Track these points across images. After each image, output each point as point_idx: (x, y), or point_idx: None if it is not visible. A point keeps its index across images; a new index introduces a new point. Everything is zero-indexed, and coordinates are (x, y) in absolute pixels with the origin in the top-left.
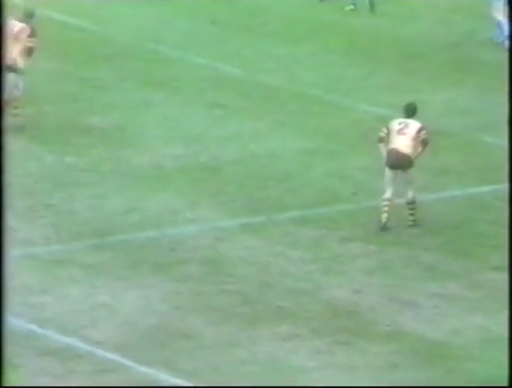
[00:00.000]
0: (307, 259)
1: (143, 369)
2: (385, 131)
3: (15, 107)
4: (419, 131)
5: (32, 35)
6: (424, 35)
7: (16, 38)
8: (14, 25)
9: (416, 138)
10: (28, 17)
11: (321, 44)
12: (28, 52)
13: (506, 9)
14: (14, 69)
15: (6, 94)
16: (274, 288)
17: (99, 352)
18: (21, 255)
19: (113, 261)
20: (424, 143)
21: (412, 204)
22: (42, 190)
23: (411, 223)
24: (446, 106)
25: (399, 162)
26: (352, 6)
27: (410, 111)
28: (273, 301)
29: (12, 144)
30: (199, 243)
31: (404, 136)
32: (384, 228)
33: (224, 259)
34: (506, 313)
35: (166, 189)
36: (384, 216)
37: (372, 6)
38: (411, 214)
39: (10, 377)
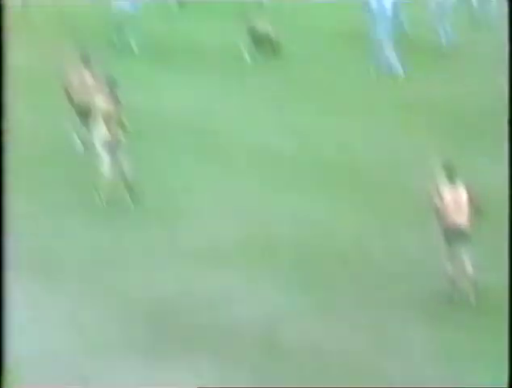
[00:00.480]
0: (366, 343)
1: None
2: (439, 201)
3: (130, 189)
4: (469, 195)
5: (117, 102)
6: (479, 101)
7: (113, 115)
8: (108, 103)
9: (470, 205)
10: (112, 86)
11: (375, 118)
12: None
13: None
14: (117, 146)
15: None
16: (332, 373)
17: None
18: (75, 339)
19: (167, 344)
20: (478, 211)
21: (471, 280)
22: (95, 271)
23: (472, 301)
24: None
25: (458, 237)
26: (403, 75)
27: (451, 171)
28: (331, 386)
29: (65, 224)
30: (255, 326)
31: (459, 208)
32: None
33: (281, 342)
34: None
35: (220, 268)
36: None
37: None
38: (470, 291)
39: None
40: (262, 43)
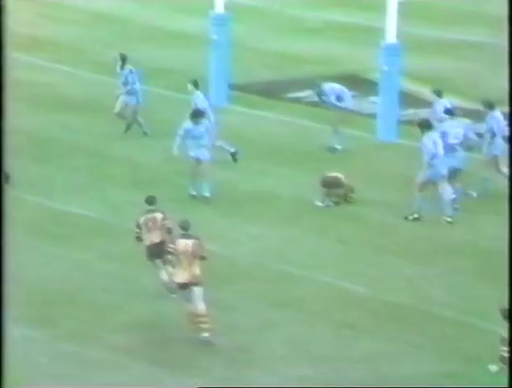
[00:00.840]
0: None
1: None
2: (505, 351)
3: (205, 323)
4: None
5: (203, 249)
6: None
7: (193, 255)
8: (187, 244)
9: None
10: (186, 229)
11: (450, 264)
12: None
13: None
14: (197, 284)
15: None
16: None
17: None
18: None
19: None
20: None
21: None
22: None
23: None
24: None
25: None
26: (416, 215)
27: None
28: None
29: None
30: None
31: None
32: None
33: None
34: None
35: None
36: None
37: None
38: None
39: None
40: (333, 187)
